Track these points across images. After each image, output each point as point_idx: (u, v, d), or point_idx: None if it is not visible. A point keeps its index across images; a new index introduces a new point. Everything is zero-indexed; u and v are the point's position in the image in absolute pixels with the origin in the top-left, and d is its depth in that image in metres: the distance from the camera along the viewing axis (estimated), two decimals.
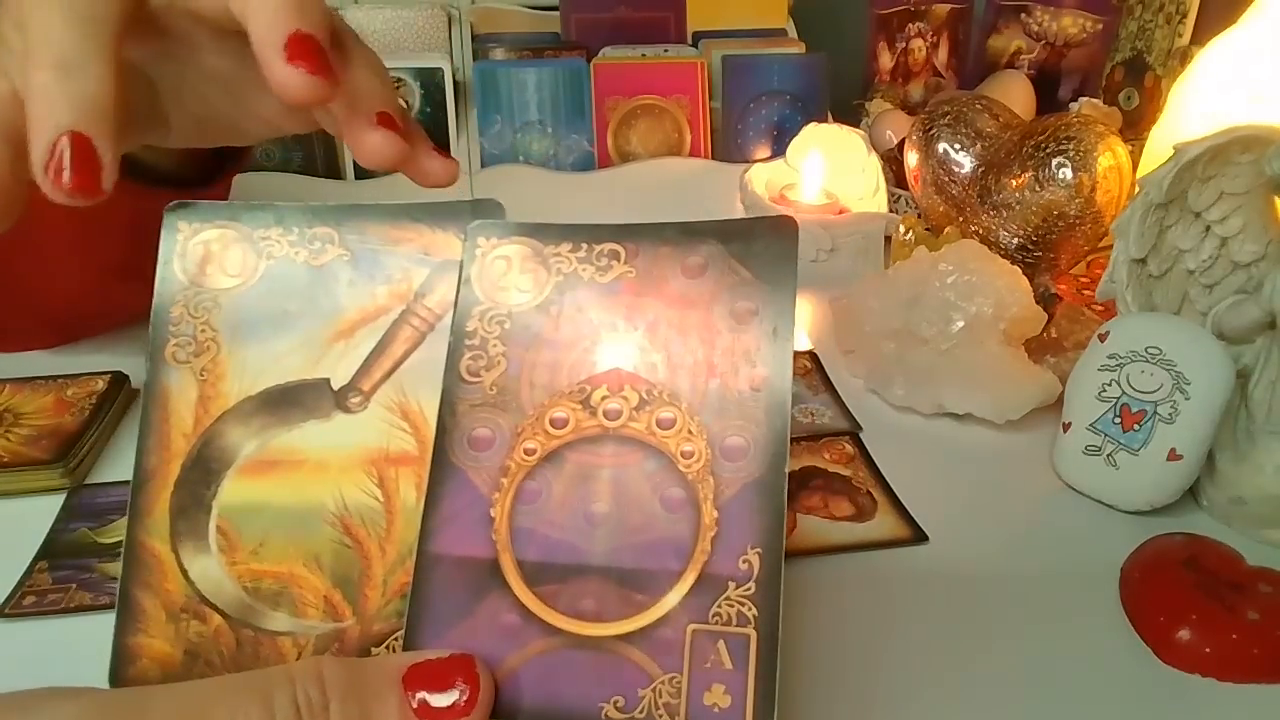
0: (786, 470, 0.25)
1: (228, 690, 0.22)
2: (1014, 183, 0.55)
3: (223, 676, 0.23)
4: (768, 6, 0.81)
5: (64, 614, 0.34)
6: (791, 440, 0.45)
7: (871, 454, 0.45)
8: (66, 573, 0.36)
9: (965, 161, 0.59)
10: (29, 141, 0.26)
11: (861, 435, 0.46)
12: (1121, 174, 0.52)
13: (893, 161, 0.70)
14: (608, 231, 0.28)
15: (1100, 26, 0.78)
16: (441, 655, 0.24)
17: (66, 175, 0.26)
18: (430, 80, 0.72)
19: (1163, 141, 0.53)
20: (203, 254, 0.29)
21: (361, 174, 0.72)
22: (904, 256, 0.56)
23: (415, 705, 0.23)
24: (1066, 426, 0.43)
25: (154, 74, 0.33)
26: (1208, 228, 0.43)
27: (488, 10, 0.79)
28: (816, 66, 0.75)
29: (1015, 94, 0.76)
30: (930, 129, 0.60)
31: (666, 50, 0.77)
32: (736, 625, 0.24)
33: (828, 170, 0.66)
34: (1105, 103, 0.72)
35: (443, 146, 0.72)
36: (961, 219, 0.59)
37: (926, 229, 0.61)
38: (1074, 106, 0.64)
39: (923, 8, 0.83)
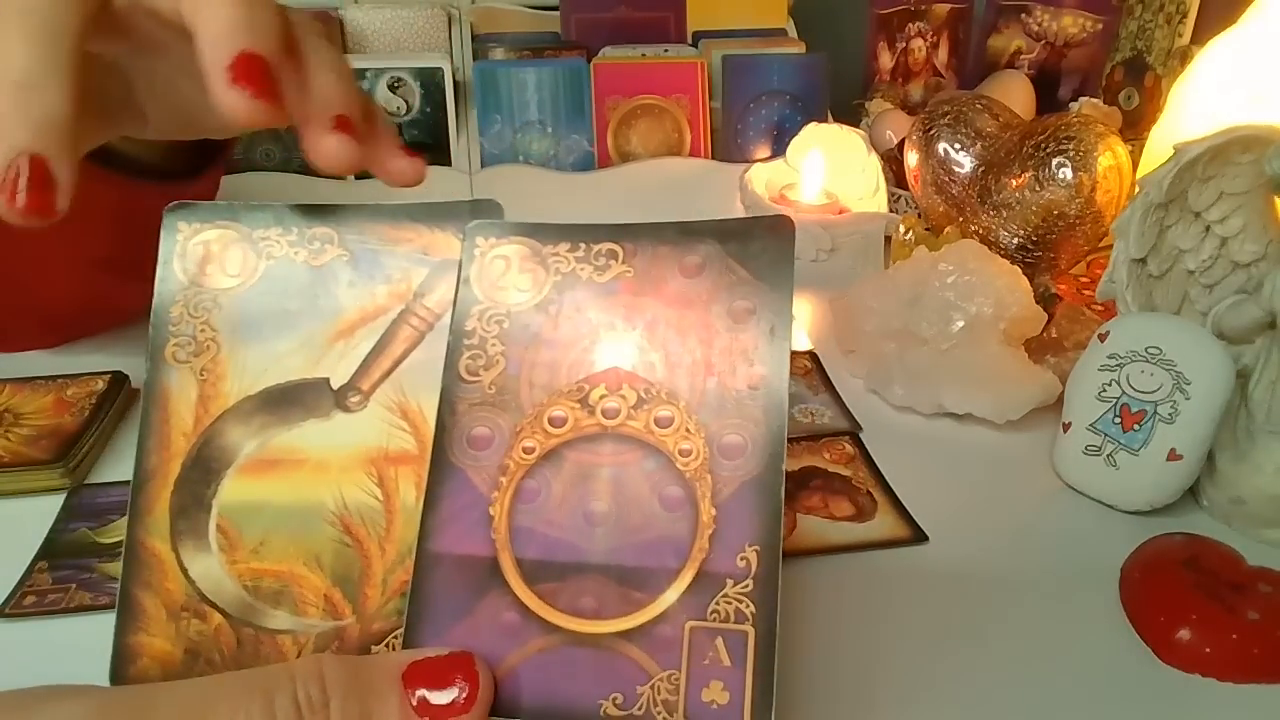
0: (784, 468, 0.25)
1: (229, 688, 0.22)
2: (1014, 183, 0.55)
3: (223, 675, 0.23)
4: (768, 6, 0.81)
5: (64, 614, 0.34)
6: (791, 440, 0.45)
7: (871, 454, 0.45)
8: (66, 573, 0.36)
9: (965, 161, 0.59)
10: None
11: (861, 435, 0.46)
12: (1121, 174, 0.52)
13: (893, 161, 0.70)
14: (606, 231, 0.28)
15: (1100, 26, 0.78)
16: (441, 653, 0.24)
17: (21, 197, 0.25)
18: (430, 80, 0.72)
19: (1163, 141, 0.53)
20: (203, 254, 0.29)
21: (361, 174, 0.72)
22: (904, 256, 0.56)
23: (415, 703, 0.23)
24: (1066, 426, 0.43)
25: (128, 68, 0.33)
26: (1208, 228, 0.43)
27: (488, 10, 0.79)
28: (816, 66, 0.75)
29: (1015, 94, 0.76)
30: (930, 129, 0.60)
31: (666, 50, 0.77)
32: (734, 622, 0.24)
33: (828, 170, 0.66)
34: (1105, 103, 0.72)
35: (442, 146, 0.73)
36: (961, 219, 0.59)
37: (926, 229, 0.61)
38: (1074, 106, 0.64)
39: (923, 7, 0.83)
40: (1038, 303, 0.49)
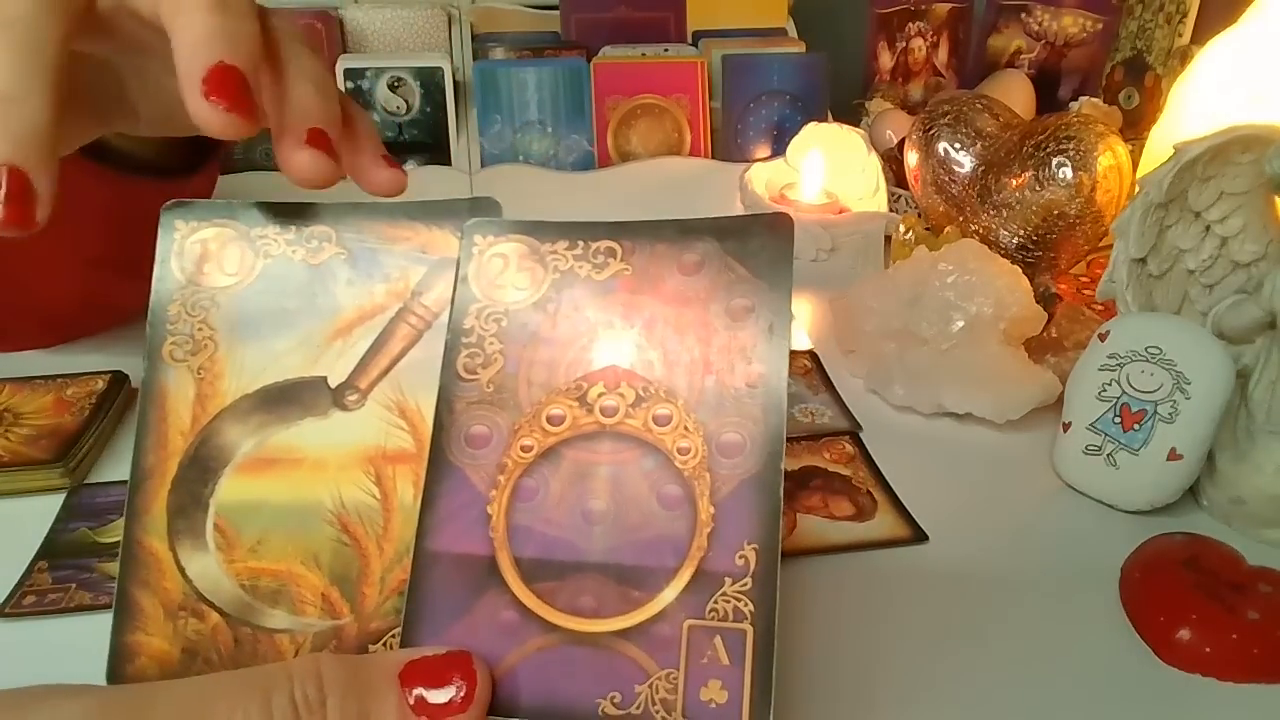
0: (782, 467, 0.25)
1: (226, 687, 0.22)
2: (1014, 182, 0.55)
3: (221, 674, 0.23)
4: (768, 6, 0.81)
5: (64, 614, 0.34)
6: (791, 440, 0.45)
7: (871, 454, 0.45)
8: (66, 572, 0.36)
9: (965, 161, 0.59)
10: None
11: (861, 435, 0.46)
12: (1121, 174, 0.52)
13: (893, 161, 0.70)
14: (604, 229, 0.28)
15: (1100, 26, 0.78)
16: (439, 652, 0.24)
17: (0, 210, 0.25)
18: (430, 80, 0.72)
19: (1163, 141, 0.53)
20: (200, 252, 0.29)
21: None
22: (904, 256, 0.56)
23: (413, 701, 0.23)
24: (1066, 426, 0.43)
25: (118, 65, 0.33)
26: (1208, 227, 0.43)
27: (488, 10, 0.79)
28: (816, 66, 0.75)
29: (1015, 93, 0.76)
30: (930, 128, 0.60)
31: (666, 50, 0.77)
32: (733, 621, 0.24)
33: (828, 170, 0.66)
34: (1105, 102, 0.72)
35: (442, 146, 0.73)
36: (961, 219, 0.59)
37: (926, 229, 0.61)
38: (1074, 106, 0.64)
39: (923, 7, 0.83)
40: (1038, 302, 0.49)
